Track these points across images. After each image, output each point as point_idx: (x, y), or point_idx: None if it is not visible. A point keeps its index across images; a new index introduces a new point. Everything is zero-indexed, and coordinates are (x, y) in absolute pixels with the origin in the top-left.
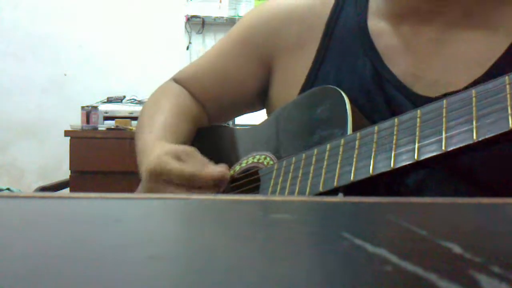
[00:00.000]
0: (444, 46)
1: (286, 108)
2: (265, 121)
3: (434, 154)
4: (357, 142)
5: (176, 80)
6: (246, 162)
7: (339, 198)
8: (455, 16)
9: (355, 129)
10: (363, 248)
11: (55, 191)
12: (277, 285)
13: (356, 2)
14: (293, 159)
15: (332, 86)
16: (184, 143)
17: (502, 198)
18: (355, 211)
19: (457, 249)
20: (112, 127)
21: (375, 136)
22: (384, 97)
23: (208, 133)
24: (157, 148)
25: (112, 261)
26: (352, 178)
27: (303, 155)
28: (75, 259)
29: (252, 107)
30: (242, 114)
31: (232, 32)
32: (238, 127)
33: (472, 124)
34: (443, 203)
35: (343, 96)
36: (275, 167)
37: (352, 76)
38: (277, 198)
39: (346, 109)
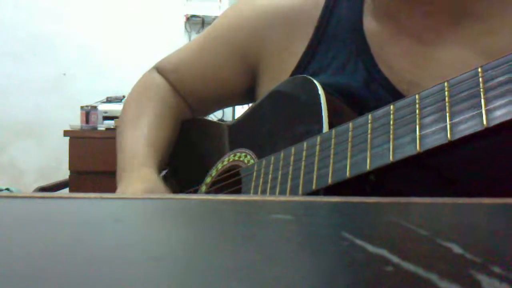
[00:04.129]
0: (440, 50)
1: (263, 101)
2: (244, 114)
3: (409, 154)
4: (332, 141)
5: (158, 69)
6: (227, 160)
7: (338, 198)
8: (452, 15)
9: (333, 122)
10: (363, 248)
11: (55, 191)
12: (277, 286)
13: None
14: (272, 158)
15: (306, 76)
16: (166, 153)
17: (502, 198)
18: (355, 211)
19: (457, 249)
20: (112, 127)
21: (350, 134)
22: (376, 102)
23: (191, 127)
24: (135, 181)
25: (111, 262)
26: (329, 181)
27: (282, 155)
28: (75, 259)
29: (237, 102)
30: (228, 107)
31: (215, 28)
32: (220, 121)
33: (446, 122)
34: (444, 203)
35: (317, 87)
36: (255, 168)
37: (341, 77)
38: (276, 198)
39: (320, 103)
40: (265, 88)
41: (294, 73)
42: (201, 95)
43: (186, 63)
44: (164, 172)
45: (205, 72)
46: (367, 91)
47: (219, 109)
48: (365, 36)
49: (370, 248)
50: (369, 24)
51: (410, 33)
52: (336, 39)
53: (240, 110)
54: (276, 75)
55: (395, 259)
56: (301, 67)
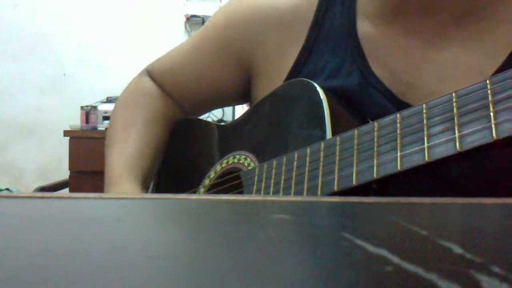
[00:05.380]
0: (439, 50)
1: (263, 103)
2: (243, 116)
3: (417, 164)
4: (337, 148)
5: (150, 73)
6: (226, 162)
7: (338, 198)
8: (451, 14)
9: (335, 127)
10: (363, 249)
11: (55, 191)
12: (277, 286)
13: (343, 1)
14: (274, 162)
15: (307, 80)
16: (156, 160)
17: (502, 198)
18: (355, 211)
19: (457, 249)
20: None
21: (355, 141)
22: (372, 105)
23: (187, 127)
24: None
25: (111, 261)
26: (335, 188)
27: (284, 159)
28: (75, 259)
29: (232, 103)
30: (223, 107)
31: (208, 29)
32: (219, 122)
33: (455, 133)
34: (443, 203)
35: (318, 92)
36: (256, 171)
37: (336, 81)
38: (276, 198)
39: (323, 107)
40: (261, 89)
41: (289, 75)
42: (195, 96)
43: (179, 64)
44: (152, 183)
45: (198, 73)
46: (362, 94)
47: (213, 109)
48: (359, 39)
49: (370, 248)
50: (363, 27)
51: (409, 34)
52: (330, 43)
53: (241, 110)
54: (271, 77)
55: (395, 259)
56: (296, 69)
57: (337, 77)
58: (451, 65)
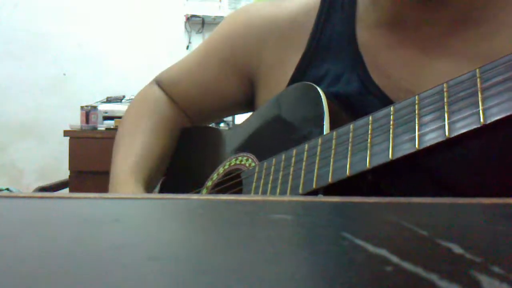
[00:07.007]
0: (437, 58)
1: (265, 107)
2: (247, 120)
3: (408, 152)
4: (333, 142)
5: (158, 82)
6: (229, 164)
7: (339, 198)
8: (448, 23)
9: (334, 126)
10: (363, 248)
11: (55, 191)
12: (277, 286)
13: (343, 9)
14: (273, 160)
15: (308, 83)
16: (162, 164)
17: (502, 198)
18: (355, 211)
19: (458, 249)
20: (112, 127)
21: (351, 135)
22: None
23: (192, 134)
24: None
25: (111, 262)
26: (329, 180)
27: (283, 156)
28: (74, 259)
29: (238, 112)
30: (229, 116)
31: (210, 42)
32: (221, 127)
33: (444, 121)
34: (443, 203)
35: (319, 93)
36: (256, 169)
37: (337, 88)
38: (276, 198)
39: (323, 107)
40: (263, 99)
41: (290, 83)
42: (201, 108)
43: (185, 77)
44: (161, 180)
45: (204, 86)
46: (362, 102)
47: (220, 118)
48: (359, 48)
49: (370, 248)
50: (363, 35)
51: (407, 43)
52: (330, 51)
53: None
54: (273, 86)
55: (395, 259)
56: (297, 77)
57: (338, 85)
58: (449, 72)
